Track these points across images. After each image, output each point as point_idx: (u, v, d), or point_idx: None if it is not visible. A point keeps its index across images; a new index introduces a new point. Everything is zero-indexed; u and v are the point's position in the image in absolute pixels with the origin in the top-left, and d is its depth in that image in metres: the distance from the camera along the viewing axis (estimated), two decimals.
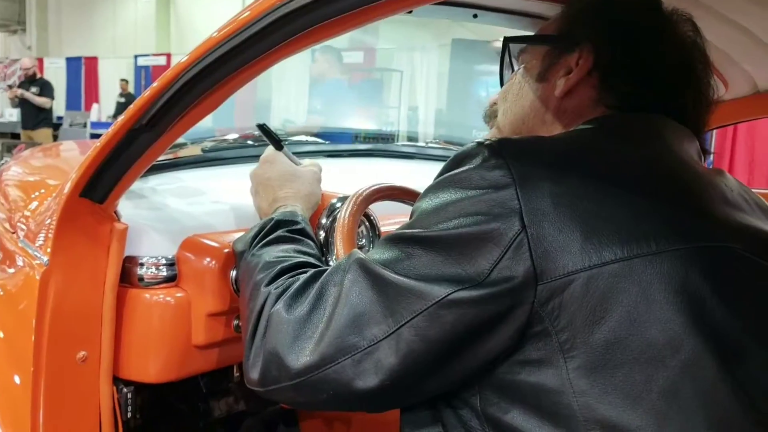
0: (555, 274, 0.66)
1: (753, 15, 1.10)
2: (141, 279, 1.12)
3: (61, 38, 17.69)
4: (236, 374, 1.33)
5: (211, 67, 0.79)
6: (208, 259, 1.12)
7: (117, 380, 1.12)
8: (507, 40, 0.98)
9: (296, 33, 0.72)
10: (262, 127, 1.25)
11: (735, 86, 1.49)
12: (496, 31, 1.24)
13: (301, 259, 0.93)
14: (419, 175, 1.35)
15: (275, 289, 0.86)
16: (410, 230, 0.74)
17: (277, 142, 1.23)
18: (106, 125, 12.01)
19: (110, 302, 1.07)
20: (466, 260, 0.68)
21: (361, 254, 0.78)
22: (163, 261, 1.13)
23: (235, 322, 1.15)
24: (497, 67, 1.01)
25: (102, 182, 0.99)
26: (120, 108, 13.00)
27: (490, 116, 1.01)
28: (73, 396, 1.07)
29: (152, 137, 0.91)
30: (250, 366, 0.84)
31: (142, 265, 1.12)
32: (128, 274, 1.11)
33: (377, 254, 0.75)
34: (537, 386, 0.67)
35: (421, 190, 0.78)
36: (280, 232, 1.00)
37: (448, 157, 0.77)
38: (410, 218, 0.77)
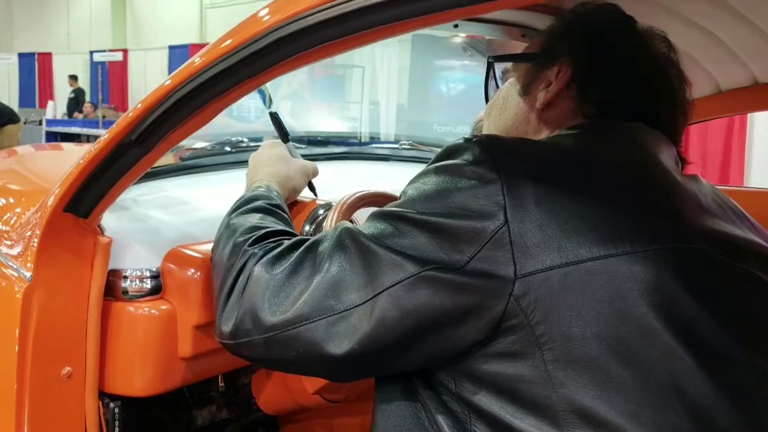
0: (533, 269, 0.68)
1: (715, 18, 1.13)
2: (125, 292, 1.11)
3: (13, 33, 17.21)
4: (221, 384, 1.32)
5: (205, 85, 0.79)
6: (193, 270, 1.12)
7: (103, 395, 1.11)
8: (492, 59, 1.01)
9: (289, 55, 0.73)
10: (274, 116, 1.27)
11: (698, 86, 1.53)
12: None
13: (281, 228, 0.96)
14: (396, 178, 1.36)
15: (259, 249, 0.88)
16: (399, 209, 0.76)
17: (285, 134, 1.26)
18: (63, 123, 11.77)
19: (95, 317, 1.06)
20: (449, 246, 0.70)
21: (349, 224, 0.80)
22: (148, 273, 1.12)
23: None
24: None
25: (87, 197, 0.98)
26: (71, 104, 12.68)
27: (478, 131, 1.03)
28: (59, 413, 1.05)
29: (141, 152, 0.90)
30: (224, 320, 0.85)
31: (126, 278, 1.11)
32: (112, 287, 1.10)
33: (365, 228, 0.78)
34: (514, 377, 0.69)
35: None
36: (259, 203, 1.02)
37: (423, 158, 0.79)
38: (399, 199, 0.78)
